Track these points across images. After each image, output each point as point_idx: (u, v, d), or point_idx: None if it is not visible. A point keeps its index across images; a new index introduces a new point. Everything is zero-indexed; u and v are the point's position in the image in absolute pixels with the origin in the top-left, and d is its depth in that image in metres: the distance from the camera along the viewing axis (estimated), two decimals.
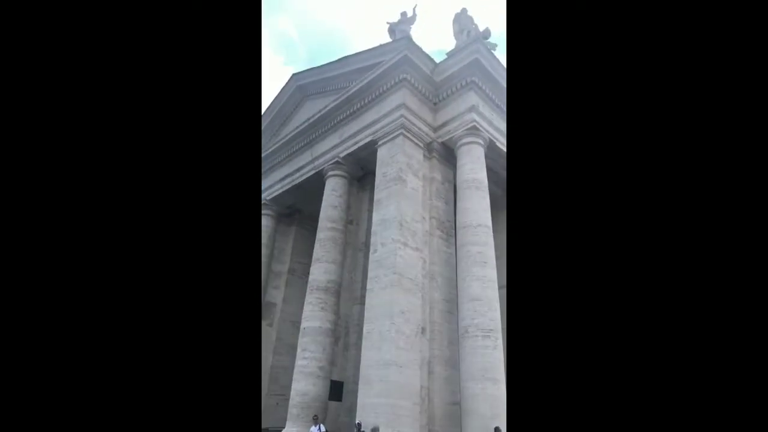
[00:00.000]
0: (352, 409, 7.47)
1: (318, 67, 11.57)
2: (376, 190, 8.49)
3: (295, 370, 8.43)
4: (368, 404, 6.51)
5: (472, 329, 6.95)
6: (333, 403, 8.46)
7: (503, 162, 9.58)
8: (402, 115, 8.59)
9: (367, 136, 9.35)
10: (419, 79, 8.96)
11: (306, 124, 10.91)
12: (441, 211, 8.66)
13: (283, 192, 11.77)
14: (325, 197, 9.96)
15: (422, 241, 7.95)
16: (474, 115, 8.56)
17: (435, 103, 9.31)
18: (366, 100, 9.57)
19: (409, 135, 8.57)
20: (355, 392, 7.07)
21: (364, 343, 7.11)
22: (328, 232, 9.52)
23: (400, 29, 9.95)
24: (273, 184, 12.03)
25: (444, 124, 9.06)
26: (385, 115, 9.00)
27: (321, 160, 10.52)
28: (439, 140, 9.02)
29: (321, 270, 9.15)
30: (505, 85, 9.19)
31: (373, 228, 8.11)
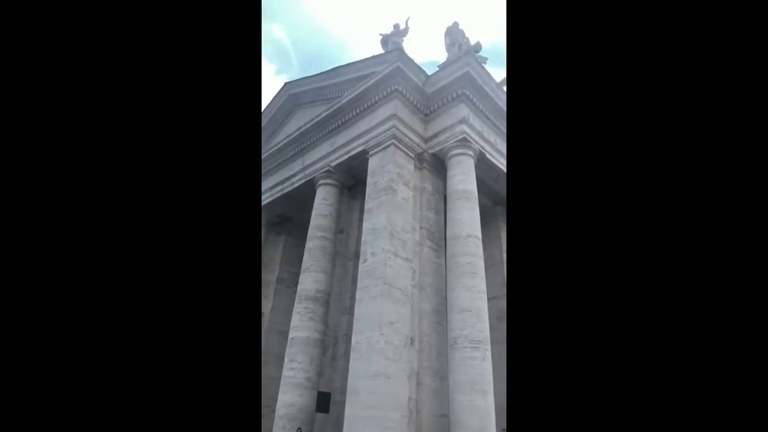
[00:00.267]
0: (339, 421, 7.36)
1: (310, 76, 11.62)
2: (366, 200, 8.50)
3: (282, 381, 8.31)
4: (355, 416, 6.43)
5: (461, 340, 6.94)
6: (320, 415, 8.34)
7: (493, 174, 9.68)
8: (393, 126, 8.65)
9: (358, 146, 9.38)
10: (411, 91, 9.05)
11: (297, 132, 10.92)
12: (431, 221, 8.69)
13: (273, 200, 11.72)
14: (315, 206, 9.93)
15: (412, 251, 7.96)
16: (464, 127, 8.65)
17: (426, 115, 9.40)
18: (358, 110, 9.62)
19: (400, 145, 8.62)
20: (342, 404, 6.98)
21: (353, 353, 7.05)
22: (317, 241, 9.47)
23: (392, 41, 10.07)
24: (263, 193, 11.97)
25: (435, 135, 9.14)
26: (377, 126, 9.06)
27: (312, 169, 10.51)
28: (430, 151, 9.09)
29: (310, 279, 9.08)
30: (495, 99, 9.33)
31: (363, 237, 8.09)
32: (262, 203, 11.94)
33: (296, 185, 10.98)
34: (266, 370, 10.96)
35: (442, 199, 9.08)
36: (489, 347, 7.01)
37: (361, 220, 8.84)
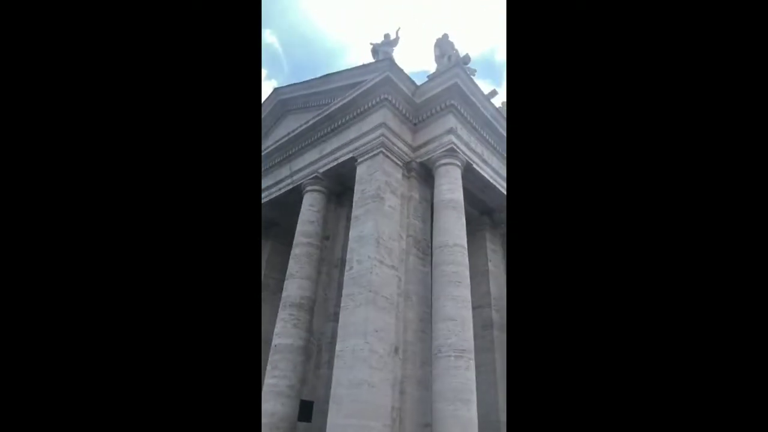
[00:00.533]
0: (321, 430, 7.27)
1: (300, 82, 11.64)
2: (354, 207, 8.50)
3: (264, 389, 8.18)
4: (338, 425, 6.37)
5: (445, 349, 6.95)
6: (302, 424, 8.23)
7: (479, 184, 9.79)
8: (382, 134, 8.70)
9: (347, 153, 9.41)
10: (400, 100, 9.14)
11: (286, 138, 10.90)
12: (418, 229, 8.73)
13: None
14: (302, 212, 9.89)
15: (398, 259, 7.97)
16: (452, 137, 8.76)
17: (415, 124, 9.49)
18: (347, 118, 9.66)
19: (388, 154, 8.67)
20: (325, 413, 6.90)
21: (337, 361, 6.99)
22: (303, 247, 9.42)
23: (383, 50, 10.17)
24: None
25: (423, 145, 9.22)
26: (366, 133, 9.10)
27: (299, 175, 10.48)
28: (418, 160, 9.16)
29: (295, 286, 9.01)
30: (482, 110, 9.47)
31: (350, 245, 8.08)
32: None
33: (283, 191, 10.93)
34: None
35: (429, 207, 9.14)
36: (473, 356, 7.04)
37: (347, 228, 8.84)
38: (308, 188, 10.04)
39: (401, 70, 9.04)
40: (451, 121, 8.92)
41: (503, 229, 10.99)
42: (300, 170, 10.53)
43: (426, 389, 7.16)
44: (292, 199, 10.67)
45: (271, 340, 8.86)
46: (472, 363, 6.97)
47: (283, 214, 11.67)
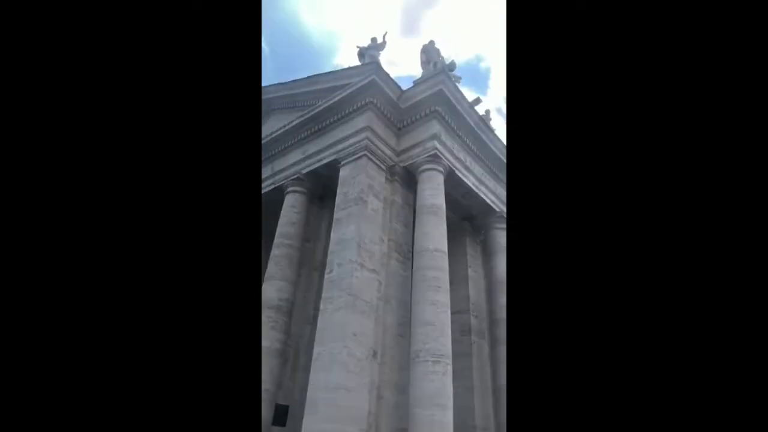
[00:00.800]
0: None
1: (286, 82, 11.55)
2: (336, 210, 8.46)
3: None
4: (313, 430, 6.29)
5: (423, 354, 6.96)
6: (276, 429, 8.09)
7: (461, 190, 9.89)
8: (367, 137, 8.70)
9: (330, 155, 9.36)
10: (385, 104, 9.16)
11: (269, 138, 10.78)
12: (399, 234, 8.74)
13: None
14: (283, 213, 9.78)
15: (379, 263, 7.96)
16: (436, 143, 8.82)
17: (399, 128, 9.52)
18: (331, 120, 9.62)
19: (372, 157, 8.67)
20: (300, 417, 6.81)
21: (314, 364, 6.91)
22: (283, 249, 9.31)
23: (369, 54, 10.20)
24: None
25: (407, 149, 9.26)
26: (350, 136, 9.08)
27: (281, 176, 10.38)
28: (402, 164, 9.19)
29: (273, 288, 8.88)
30: (466, 117, 9.58)
31: (331, 247, 8.03)
32: None
33: (265, 191, 10.79)
34: None
35: (412, 212, 9.17)
36: (450, 362, 7.07)
37: (329, 230, 8.78)
38: (290, 189, 9.95)
39: (387, 75, 9.07)
40: (435, 127, 9.00)
41: (484, 235, 11.11)
42: (282, 170, 10.43)
43: (403, 394, 7.15)
44: (274, 199, 10.55)
45: None
46: (450, 368, 6.99)
47: (263, 215, 11.51)
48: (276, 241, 9.46)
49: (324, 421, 6.26)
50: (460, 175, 9.48)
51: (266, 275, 9.18)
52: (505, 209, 10.95)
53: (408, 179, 9.32)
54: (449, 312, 7.66)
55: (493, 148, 10.45)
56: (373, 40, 10.54)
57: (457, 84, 9.47)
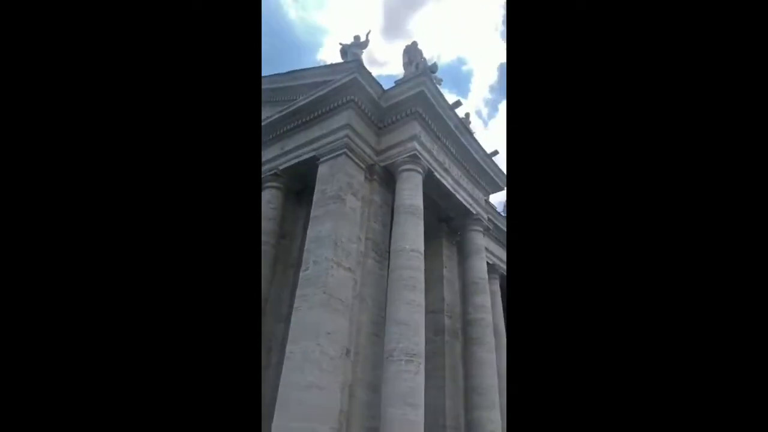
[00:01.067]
0: None
1: (266, 77, 11.35)
2: (313, 207, 8.39)
3: None
4: (283, 428, 6.22)
5: (396, 353, 6.99)
6: None
7: (439, 192, 9.97)
8: (347, 135, 8.67)
9: (309, 152, 9.28)
10: (366, 103, 9.15)
11: None
12: (377, 233, 8.75)
13: None
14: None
15: (356, 261, 7.94)
16: (416, 144, 8.88)
17: (380, 128, 9.53)
18: (312, 116, 9.54)
19: (351, 155, 8.64)
20: (270, 415, 6.72)
21: (286, 363, 6.84)
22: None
23: (351, 51, 10.15)
24: None
25: (387, 149, 9.27)
26: (330, 133, 9.02)
27: None
28: (381, 164, 9.20)
29: None
30: (446, 120, 9.67)
31: (307, 245, 7.96)
32: None
33: None
34: None
35: (390, 212, 9.19)
36: (423, 361, 7.13)
37: (305, 227, 8.69)
38: (267, 184, 9.80)
39: (369, 73, 9.06)
40: (415, 127, 9.04)
41: (460, 236, 11.25)
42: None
43: (375, 392, 7.16)
44: None
45: None
46: (422, 367, 7.05)
47: None
48: None
49: (294, 420, 6.20)
50: (438, 176, 9.57)
51: None
52: (480, 212, 11.12)
53: (387, 179, 9.33)
54: (423, 312, 7.72)
55: (472, 151, 10.59)
56: (356, 38, 10.50)
57: (438, 86, 9.54)
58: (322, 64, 12.48)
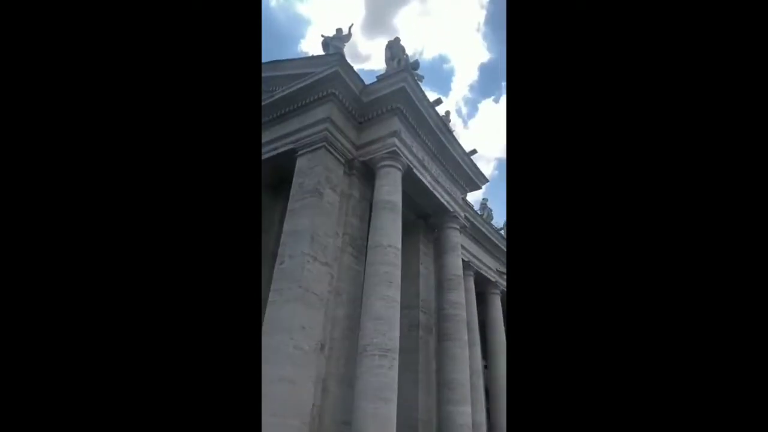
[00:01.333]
0: None
1: None
2: (290, 200, 8.29)
3: None
4: None
5: (370, 348, 7.02)
6: None
7: (418, 189, 10.03)
8: (326, 129, 8.59)
9: (287, 144, 9.15)
10: (347, 97, 9.08)
11: None
12: (355, 228, 8.73)
13: None
14: None
15: (332, 256, 7.91)
16: (395, 140, 8.88)
17: (360, 122, 9.48)
18: (291, 108, 9.40)
19: (331, 149, 8.58)
20: None
21: None
22: None
23: (333, 44, 10.04)
24: None
25: (367, 144, 9.25)
26: (310, 126, 8.92)
27: None
28: (361, 159, 9.17)
29: None
30: (427, 117, 9.71)
31: (283, 238, 7.86)
32: None
33: None
34: None
35: (368, 207, 9.18)
36: (397, 356, 7.19)
37: (281, 221, 8.59)
38: None
39: (351, 67, 8.99)
40: (395, 123, 9.05)
41: (437, 233, 11.36)
42: None
43: (349, 387, 7.17)
44: None
45: None
46: (396, 362, 7.11)
47: None
48: None
49: (267, 414, 6.13)
50: (417, 173, 9.62)
51: None
52: (458, 209, 11.25)
53: (366, 174, 9.31)
54: (399, 307, 7.77)
55: (451, 149, 10.68)
56: (339, 30, 10.39)
57: (419, 83, 9.57)
58: (303, 55, 12.30)
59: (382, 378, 6.79)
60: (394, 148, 8.82)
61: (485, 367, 14.26)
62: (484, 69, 65.57)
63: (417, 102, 9.34)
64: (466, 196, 12.50)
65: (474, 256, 14.65)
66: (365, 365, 6.93)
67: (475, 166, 11.60)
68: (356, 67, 9.26)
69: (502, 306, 15.64)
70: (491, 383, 13.94)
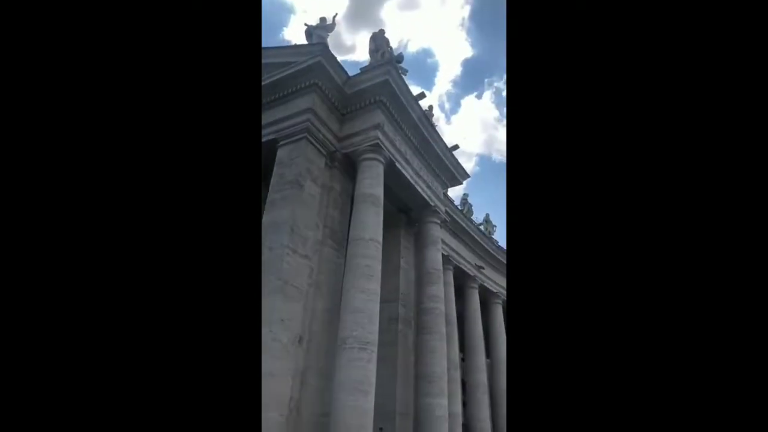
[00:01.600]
0: None
1: None
2: (270, 191, 8.16)
3: None
4: None
5: (350, 341, 7.02)
6: None
7: (400, 182, 10.03)
8: (308, 119, 8.47)
9: (268, 134, 8.98)
10: (330, 88, 8.97)
11: None
12: (336, 221, 8.68)
13: None
14: None
15: (312, 249, 7.84)
16: (378, 133, 8.84)
17: (343, 114, 9.39)
18: (273, 98, 9.22)
19: (313, 140, 8.47)
20: None
21: None
22: None
23: (317, 34, 9.89)
24: None
25: (349, 136, 9.17)
26: (291, 116, 8.78)
27: None
28: (343, 151, 9.09)
29: None
30: (410, 110, 9.70)
31: (263, 230, 7.74)
32: None
33: None
34: None
35: (349, 200, 9.13)
36: (376, 349, 7.21)
37: (261, 212, 8.45)
38: None
39: (334, 58, 8.88)
40: (378, 116, 9.00)
41: (418, 227, 11.41)
42: None
43: (327, 379, 7.17)
44: None
45: None
46: (375, 355, 7.14)
47: None
48: None
49: None
50: (399, 167, 9.61)
51: None
52: (439, 204, 11.32)
53: (348, 166, 9.25)
54: (378, 300, 7.79)
55: (433, 144, 10.71)
56: (323, 20, 10.23)
57: (403, 76, 9.53)
58: (285, 43, 12.08)
59: (361, 371, 6.80)
60: (377, 141, 8.78)
61: (462, 359, 14.49)
62: (467, 64, 65.94)
63: (401, 95, 9.31)
64: (447, 191, 12.59)
65: (453, 251, 14.81)
66: (344, 358, 6.93)
67: (456, 161, 11.68)
68: (340, 58, 9.14)
69: (480, 300, 15.90)
70: (468, 375, 14.19)
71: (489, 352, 15.89)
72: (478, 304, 15.67)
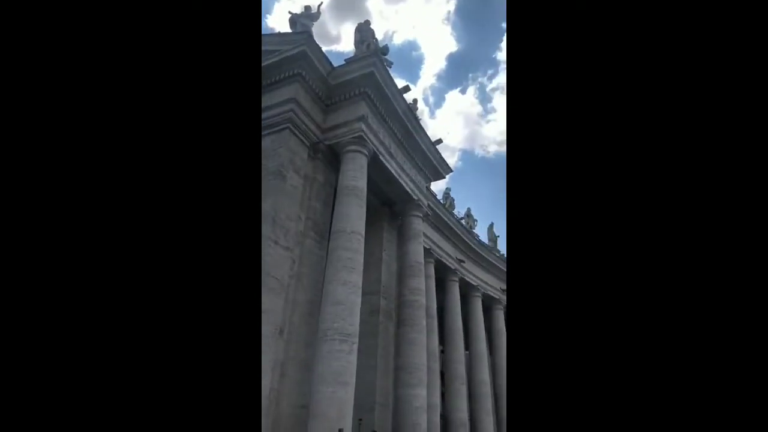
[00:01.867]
0: None
1: None
2: None
3: None
4: None
5: (330, 333, 7.03)
6: None
7: (383, 175, 10.03)
8: (291, 110, 8.36)
9: None
10: (314, 78, 8.86)
11: None
12: (318, 213, 8.63)
13: None
14: None
15: (294, 240, 7.79)
16: (362, 125, 8.80)
17: (327, 105, 9.30)
18: None
19: (296, 131, 8.38)
20: None
21: None
22: None
23: (301, 22, 9.72)
24: None
25: (333, 128, 9.10)
26: (274, 106, 8.64)
27: None
28: (326, 142, 9.02)
29: None
30: (394, 103, 9.67)
31: None
32: None
33: None
34: None
35: (332, 192, 9.09)
36: (356, 341, 7.25)
37: None
38: None
39: (319, 48, 8.77)
40: (363, 108, 8.95)
41: (401, 220, 11.46)
42: None
43: (307, 371, 7.17)
44: None
45: None
46: (355, 347, 7.18)
47: None
48: None
49: None
50: (383, 160, 9.60)
51: None
52: (422, 198, 11.38)
53: (331, 158, 9.19)
54: (360, 293, 7.81)
55: (417, 137, 10.73)
56: (307, 8, 10.06)
57: (388, 68, 9.48)
58: (269, 32, 11.85)
59: (341, 362, 6.84)
60: (361, 133, 8.74)
61: (442, 351, 14.70)
62: (452, 59, 66.02)
63: (385, 88, 9.27)
64: (430, 185, 12.65)
65: (435, 244, 14.94)
66: (325, 350, 6.95)
67: (440, 155, 11.73)
68: (324, 48, 9.03)
69: (461, 293, 16.11)
70: (447, 367, 14.41)
71: (468, 344, 16.15)
72: (459, 297, 15.88)
